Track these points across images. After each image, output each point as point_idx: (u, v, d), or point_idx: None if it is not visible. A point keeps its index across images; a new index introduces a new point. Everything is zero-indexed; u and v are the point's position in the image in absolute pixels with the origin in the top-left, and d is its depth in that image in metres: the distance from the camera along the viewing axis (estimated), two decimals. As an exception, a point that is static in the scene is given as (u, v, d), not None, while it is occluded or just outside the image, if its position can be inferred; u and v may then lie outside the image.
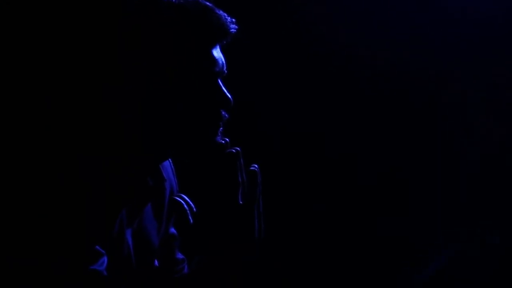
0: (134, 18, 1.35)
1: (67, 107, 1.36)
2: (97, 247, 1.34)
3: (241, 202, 1.47)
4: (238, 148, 1.48)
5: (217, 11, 1.41)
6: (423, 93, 2.91)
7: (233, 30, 1.43)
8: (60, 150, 1.33)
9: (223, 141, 1.46)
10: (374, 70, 2.89)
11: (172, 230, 1.61)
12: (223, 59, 1.45)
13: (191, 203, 1.50)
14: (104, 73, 1.36)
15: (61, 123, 1.35)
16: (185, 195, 1.52)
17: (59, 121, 1.35)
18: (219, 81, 1.44)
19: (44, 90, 1.39)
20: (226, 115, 1.45)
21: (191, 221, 1.48)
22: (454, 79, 2.89)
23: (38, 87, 1.39)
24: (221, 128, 1.46)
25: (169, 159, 1.59)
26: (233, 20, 1.43)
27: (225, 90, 1.44)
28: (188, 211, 1.48)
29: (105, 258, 1.35)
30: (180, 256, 1.64)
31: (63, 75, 1.38)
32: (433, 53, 2.86)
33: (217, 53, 1.43)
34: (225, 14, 1.42)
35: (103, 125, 1.38)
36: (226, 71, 1.45)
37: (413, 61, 2.87)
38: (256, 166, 1.51)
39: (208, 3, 1.42)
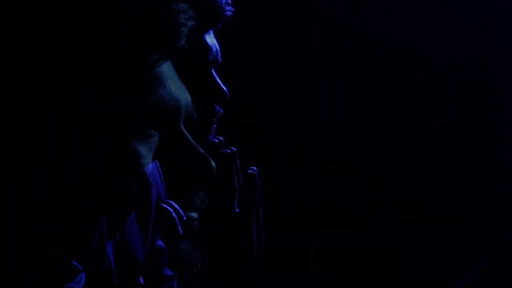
0: (134, 18, 1.29)
1: (65, 107, 1.30)
2: (74, 262, 1.27)
3: (237, 210, 1.44)
4: (234, 148, 1.44)
5: None
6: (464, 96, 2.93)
7: (228, 12, 1.39)
8: (35, 150, 1.24)
9: (217, 140, 1.43)
10: (382, 67, 2.90)
11: (159, 242, 1.57)
12: (217, 46, 1.41)
13: (180, 211, 1.46)
14: (103, 73, 1.29)
15: (58, 123, 1.28)
16: (174, 202, 1.48)
17: (55, 120, 1.29)
18: (213, 71, 1.41)
19: (42, 90, 1.33)
20: (221, 110, 1.42)
21: (181, 232, 1.45)
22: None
23: (35, 87, 1.33)
24: (215, 125, 1.42)
25: (156, 161, 1.49)
26: (229, 1, 1.39)
27: (220, 82, 1.41)
28: (177, 221, 1.45)
29: (83, 275, 1.28)
30: (168, 272, 1.59)
31: (60, 75, 1.32)
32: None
33: (210, 39, 1.39)
34: None
35: (99, 125, 1.30)
36: (220, 60, 1.42)
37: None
38: (254, 168, 1.48)
39: None
